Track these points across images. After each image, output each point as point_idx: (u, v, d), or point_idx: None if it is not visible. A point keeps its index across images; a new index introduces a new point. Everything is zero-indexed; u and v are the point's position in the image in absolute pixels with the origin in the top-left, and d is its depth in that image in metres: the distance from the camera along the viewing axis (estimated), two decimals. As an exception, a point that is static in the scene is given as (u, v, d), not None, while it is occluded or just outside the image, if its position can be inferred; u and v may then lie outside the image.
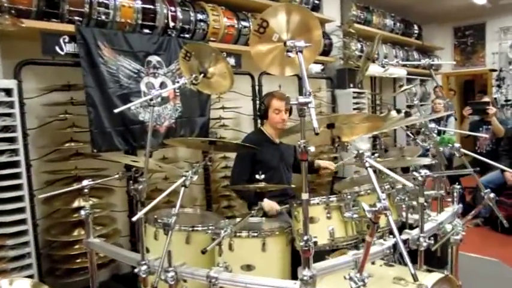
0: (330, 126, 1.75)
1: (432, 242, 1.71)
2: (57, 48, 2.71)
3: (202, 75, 1.98)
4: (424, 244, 1.67)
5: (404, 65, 6.26)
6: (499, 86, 6.64)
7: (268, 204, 2.52)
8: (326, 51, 4.98)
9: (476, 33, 7.90)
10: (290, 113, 2.96)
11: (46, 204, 2.81)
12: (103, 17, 2.88)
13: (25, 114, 2.60)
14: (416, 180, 1.68)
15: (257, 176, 2.05)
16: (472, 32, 7.96)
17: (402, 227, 2.18)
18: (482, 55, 7.82)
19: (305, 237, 1.41)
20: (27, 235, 2.55)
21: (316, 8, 4.91)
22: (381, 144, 4.93)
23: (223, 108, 3.86)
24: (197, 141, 1.92)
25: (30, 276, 2.54)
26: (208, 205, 3.76)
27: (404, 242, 1.70)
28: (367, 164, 1.47)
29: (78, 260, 2.85)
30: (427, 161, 2.24)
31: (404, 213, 2.23)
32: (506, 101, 6.49)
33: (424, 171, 1.68)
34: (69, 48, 2.76)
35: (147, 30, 3.15)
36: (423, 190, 1.69)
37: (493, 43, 7.44)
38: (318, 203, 1.88)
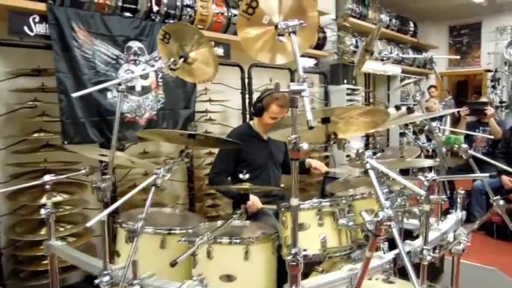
0: (325, 120, 1.54)
1: (437, 255, 1.52)
2: (25, 29, 2.45)
3: (182, 59, 1.75)
4: (428, 258, 1.47)
5: (400, 62, 6.10)
6: (493, 87, 6.51)
7: (252, 200, 2.30)
8: (320, 45, 4.78)
9: (472, 32, 7.77)
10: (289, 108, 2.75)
11: (11, 199, 2.56)
12: (79, -3, 2.63)
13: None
14: (422, 185, 1.48)
15: (241, 176, 1.83)
16: (467, 31, 7.84)
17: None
18: (477, 55, 7.70)
19: (293, 250, 1.20)
20: (-17, 234, 2.30)
21: (311, -1, 4.69)
22: (375, 143, 4.77)
23: (210, 101, 3.63)
24: (175, 134, 1.69)
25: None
26: (192, 204, 3.54)
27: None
28: (367, 166, 1.26)
29: (44, 262, 2.57)
30: (429, 162, 2.04)
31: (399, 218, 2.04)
32: (501, 102, 6.37)
33: (430, 175, 1.47)
34: (40, 29, 2.50)
35: (128, 14, 2.90)
36: (429, 196, 1.49)
37: (489, 43, 7.31)
38: (308, 208, 1.67)
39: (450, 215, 1.98)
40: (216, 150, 3.54)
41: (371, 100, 5.99)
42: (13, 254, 2.58)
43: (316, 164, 2.73)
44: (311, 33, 1.87)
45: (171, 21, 3.14)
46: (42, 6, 2.47)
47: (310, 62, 4.71)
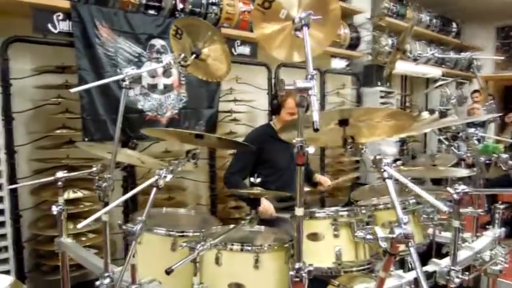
0: (343, 123, 1.41)
1: (466, 277, 1.34)
2: (49, 26, 2.47)
3: (194, 56, 1.67)
4: (456, 280, 1.30)
5: (441, 64, 5.74)
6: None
7: (264, 206, 2.19)
8: (353, 45, 4.58)
9: (522, 33, 7.23)
10: (307, 110, 2.63)
11: (34, 194, 2.60)
12: (103, -5, 2.63)
13: (10, 96, 2.38)
14: (451, 198, 1.31)
15: (252, 180, 1.72)
16: (517, 32, 7.30)
17: (429, 249, 1.81)
18: (527, 58, 7.15)
19: (297, 265, 1.07)
20: (4, 227, 2.32)
21: (344, -3, 4.53)
22: (408, 149, 4.50)
23: (235, 100, 3.54)
24: (182, 133, 1.61)
25: (6, 272, 2.32)
26: (213, 205, 3.47)
27: (430, 275, 1.33)
28: (385, 174, 1.11)
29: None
30: (464, 172, 1.84)
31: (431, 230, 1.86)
32: (553, 109, 5.85)
33: (461, 187, 1.30)
34: (64, 26, 2.52)
35: (152, 12, 2.87)
36: (459, 211, 1.32)
37: (541, 45, 6.76)
38: (324, 217, 1.53)
39: (487, 231, 1.77)
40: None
41: (407, 104, 5.69)
42: (35, 248, 2.61)
43: (320, 178, 2.60)
44: (332, 28, 1.74)
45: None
46: (66, 4, 2.49)
47: (342, 63, 4.52)
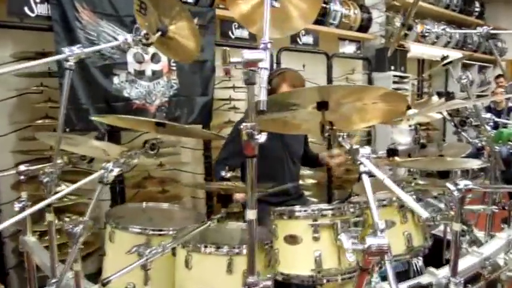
0: (321, 105, 1.19)
1: (470, 291, 1.11)
2: (26, 9, 2.31)
3: (159, 33, 1.47)
4: (456, 294, 1.07)
5: (462, 47, 5.34)
6: None
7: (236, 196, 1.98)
8: (363, 27, 4.28)
9: (553, 13, 6.68)
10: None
11: (15, 189, 2.48)
12: (85, -25, 2.45)
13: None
14: (452, 196, 1.07)
15: (222, 173, 1.53)
16: (547, 11, 6.75)
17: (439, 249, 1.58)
18: (558, 39, 6.60)
19: (249, 279, 0.87)
20: (-21, 224, 2.21)
21: (354, -24, 4.22)
22: (419, 138, 4.20)
23: (233, 87, 3.34)
24: (140, 121, 1.42)
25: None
26: (209, 198, 3.29)
27: (425, 288, 1.11)
28: (361, 168, 0.89)
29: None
30: (476, 163, 1.59)
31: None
32: None
33: (463, 183, 1.06)
34: (42, 9, 2.36)
35: (139, -8, 2.68)
36: (461, 211, 1.08)
37: None
38: (301, 216, 1.32)
39: (500, 233, 1.52)
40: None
41: (425, 90, 5.34)
42: (17, 245, 2.51)
43: (328, 154, 2.32)
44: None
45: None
46: (44, -15, 2.34)
47: (351, 48, 4.23)
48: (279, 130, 1.55)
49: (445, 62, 1.87)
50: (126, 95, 2.62)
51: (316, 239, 1.28)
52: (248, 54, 0.84)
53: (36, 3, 2.34)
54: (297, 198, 2.39)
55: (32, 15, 2.34)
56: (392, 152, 1.62)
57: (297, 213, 1.35)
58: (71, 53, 1.25)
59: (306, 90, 1.45)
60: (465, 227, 1.44)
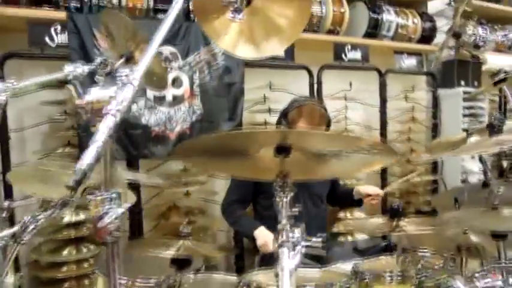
0: (281, 150, 0.87)
1: None
2: (47, 39, 2.33)
3: (123, 59, 1.29)
4: None
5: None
6: None
7: (263, 235, 1.70)
8: (426, 38, 3.74)
9: None
10: (329, 126, 2.09)
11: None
12: (105, 2, 2.42)
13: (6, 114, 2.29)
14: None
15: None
16: None
17: None
18: None
19: None
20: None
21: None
22: (500, 165, 3.49)
23: (269, 111, 3.08)
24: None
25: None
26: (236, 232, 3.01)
27: None
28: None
29: (65, 285, 2.46)
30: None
31: None
32: None
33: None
34: (62, 39, 2.37)
35: (162, 16, 2.58)
36: None
37: None
38: None
39: None
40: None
41: (507, 107, 4.51)
42: (35, 276, 2.49)
43: (367, 190, 1.97)
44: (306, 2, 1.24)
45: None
46: (63, 14, 2.34)
47: (412, 61, 3.72)
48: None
49: (498, 78, 1.38)
50: (144, 122, 2.51)
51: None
52: (95, 92, 0.59)
53: (57, 32, 2.34)
54: (323, 243, 2.03)
55: (53, 44, 2.35)
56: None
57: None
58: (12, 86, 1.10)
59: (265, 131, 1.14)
60: None
